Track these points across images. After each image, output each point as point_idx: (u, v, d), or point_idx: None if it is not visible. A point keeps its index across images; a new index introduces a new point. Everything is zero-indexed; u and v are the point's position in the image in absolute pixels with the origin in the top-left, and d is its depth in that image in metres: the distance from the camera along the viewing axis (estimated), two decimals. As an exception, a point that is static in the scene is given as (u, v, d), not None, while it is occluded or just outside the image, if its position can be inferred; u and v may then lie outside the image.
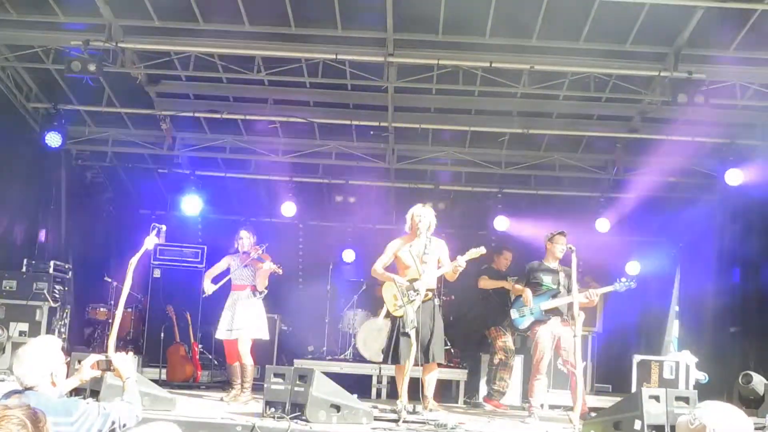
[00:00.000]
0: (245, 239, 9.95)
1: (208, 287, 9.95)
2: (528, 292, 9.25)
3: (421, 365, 8.80)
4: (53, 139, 12.09)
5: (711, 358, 11.67)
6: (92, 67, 10.41)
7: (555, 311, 9.16)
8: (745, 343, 11.94)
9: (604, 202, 13.70)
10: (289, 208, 13.87)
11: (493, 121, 12.75)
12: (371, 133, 13.10)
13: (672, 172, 13.22)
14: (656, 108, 11.66)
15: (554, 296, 9.15)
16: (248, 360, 9.63)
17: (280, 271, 9.88)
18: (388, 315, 9.28)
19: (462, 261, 8.75)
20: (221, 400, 9.62)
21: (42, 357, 4.46)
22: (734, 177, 11.82)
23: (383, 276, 9.05)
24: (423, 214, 8.97)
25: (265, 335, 9.93)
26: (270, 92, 12.42)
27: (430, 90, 11.93)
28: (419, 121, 12.78)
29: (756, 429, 6.62)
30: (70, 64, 10.45)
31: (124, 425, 4.63)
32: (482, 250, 8.84)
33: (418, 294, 8.57)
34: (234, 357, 9.77)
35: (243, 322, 9.68)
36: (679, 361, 10.89)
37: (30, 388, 4.40)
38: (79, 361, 5.39)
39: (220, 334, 9.83)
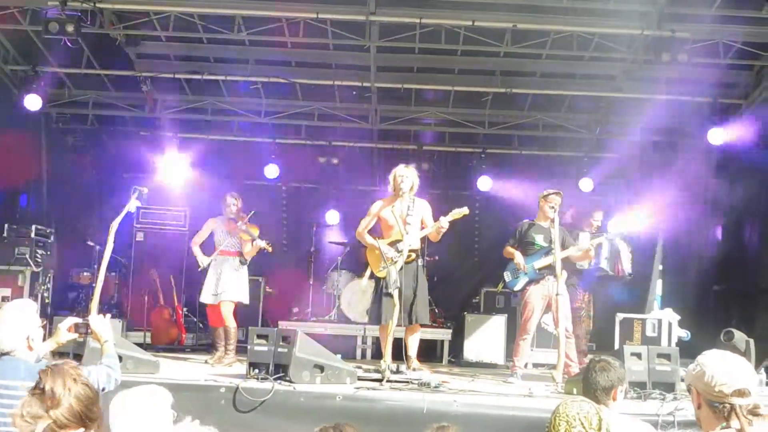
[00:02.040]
0: (232, 206, 9.88)
1: (203, 259, 9.89)
2: (519, 256, 9.22)
3: (405, 326, 8.86)
4: (32, 102, 11.96)
5: (693, 316, 11.72)
6: (70, 28, 10.26)
7: (550, 269, 9.11)
8: (727, 300, 12.02)
9: (588, 162, 13.69)
10: (272, 170, 13.82)
11: (476, 80, 12.70)
12: (354, 93, 13.04)
13: (655, 131, 13.23)
14: (639, 67, 11.60)
15: (547, 254, 9.13)
16: (231, 323, 9.64)
17: (270, 249, 9.89)
18: (372, 276, 9.32)
19: (445, 222, 8.79)
20: (206, 362, 9.63)
21: (18, 321, 4.42)
22: (717, 136, 11.84)
23: (368, 242, 9.09)
24: (406, 175, 8.97)
25: (246, 300, 9.95)
26: (251, 52, 12.31)
27: (412, 49, 11.86)
28: (402, 81, 12.70)
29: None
30: (48, 25, 10.30)
31: (103, 389, 4.60)
32: (465, 210, 8.87)
33: (401, 255, 8.61)
34: (218, 320, 9.76)
35: (227, 286, 9.69)
36: (662, 318, 10.94)
37: (7, 353, 4.37)
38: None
39: (206, 298, 9.82)
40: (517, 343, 9.24)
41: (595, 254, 9.75)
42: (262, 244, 9.70)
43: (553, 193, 9.24)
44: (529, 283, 9.22)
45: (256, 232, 9.78)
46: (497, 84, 12.55)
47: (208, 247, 10.07)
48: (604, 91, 12.59)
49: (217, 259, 9.85)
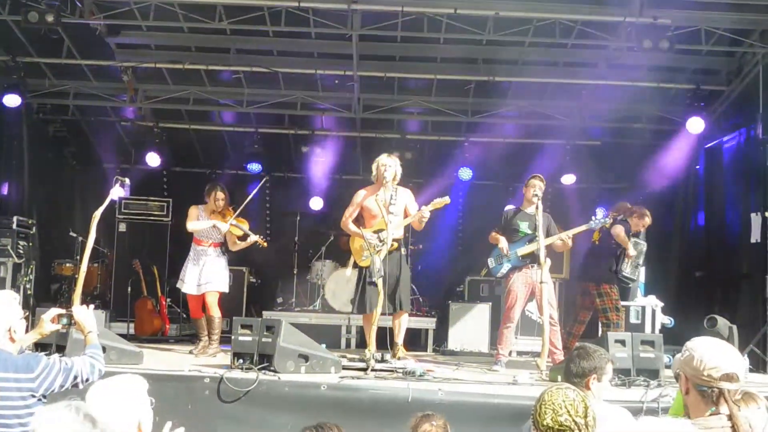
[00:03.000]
0: (220, 200, 9.86)
1: (222, 224, 9.81)
2: (504, 242, 9.23)
3: (389, 314, 8.87)
4: (12, 100, 11.88)
5: (676, 303, 11.80)
6: (50, 18, 10.18)
7: (533, 257, 9.13)
8: (710, 287, 12.06)
9: (570, 149, 13.69)
10: (253, 166, 13.76)
11: (458, 68, 12.67)
12: (336, 82, 12.98)
13: (637, 119, 13.26)
14: (622, 54, 11.60)
15: (530, 241, 9.13)
16: (216, 312, 9.65)
17: (265, 245, 9.99)
18: (355, 265, 9.34)
19: (426, 211, 8.83)
20: (190, 352, 9.63)
21: None
22: (696, 125, 11.85)
23: (353, 231, 9.12)
24: (389, 164, 9.01)
25: (227, 288, 10.01)
26: (232, 42, 12.22)
27: (395, 38, 11.81)
28: (384, 70, 12.64)
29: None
30: (27, 14, 10.23)
31: (87, 379, 4.59)
32: (446, 199, 8.92)
33: (384, 243, 8.62)
34: (199, 311, 9.80)
35: (211, 277, 9.69)
36: (645, 305, 11.00)
37: (-11, 345, 4.35)
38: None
39: (189, 288, 9.78)
40: (501, 332, 9.26)
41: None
42: (256, 238, 9.72)
43: (531, 178, 9.26)
44: (512, 270, 9.24)
45: (246, 225, 9.79)
46: (480, 72, 12.52)
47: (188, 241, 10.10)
48: (586, 79, 12.57)
49: (197, 249, 9.83)
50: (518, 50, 11.95)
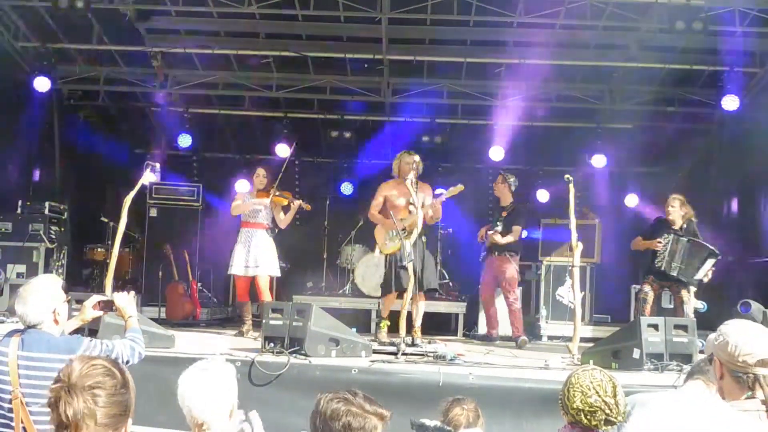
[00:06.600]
0: (261, 177, 10.10)
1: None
2: (483, 230, 10.24)
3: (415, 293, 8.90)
4: (42, 84, 11.96)
5: (709, 287, 11.67)
6: (80, 4, 10.24)
7: (494, 247, 10.29)
8: (743, 271, 11.94)
9: (601, 133, 13.56)
10: (282, 149, 13.73)
11: (489, 51, 12.58)
12: (365, 66, 12.93)
13: (670, 101, 13.12)
14: (654, 36, 11.47)
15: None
16: (267, 297, 9.86)
17: (309, 207, 10.24)
18: (380, 253, 9.48)
19: (440, 200, 8.98)
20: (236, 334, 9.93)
21: (44, 294, 4.43)
22: (731, 103, 11.67)
23: (380, 219, 9.21)
24: (416, 161, 9.14)
25: (278, 272, 10.26)
26: (262, 26, 12.21)
27: (424, 21, 11.75)
28: (414, 53, 12.59)
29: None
30: (58, 1, 10.28)
31: (127, 362, 4.63)
32: (460, 187, 8.96)
33: (414, 227, 8.64)
34: (245, 294, 10.03)
35: (260, 259, 9.88)
36: (678, 290, 10.89)
37: (33, 327, 4.39)
38: (78, 302, 5.39)
39: (237, 270, 9.95)
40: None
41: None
42: (300, 203, 9.99)
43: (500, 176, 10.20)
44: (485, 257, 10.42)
45: (288, 195, 10.08)
46: (510, 55, 12.42)
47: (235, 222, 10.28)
48: (617, 61, 12.44)
49: (245, 231, 9.97)
50: (549, 32, 11.82)
